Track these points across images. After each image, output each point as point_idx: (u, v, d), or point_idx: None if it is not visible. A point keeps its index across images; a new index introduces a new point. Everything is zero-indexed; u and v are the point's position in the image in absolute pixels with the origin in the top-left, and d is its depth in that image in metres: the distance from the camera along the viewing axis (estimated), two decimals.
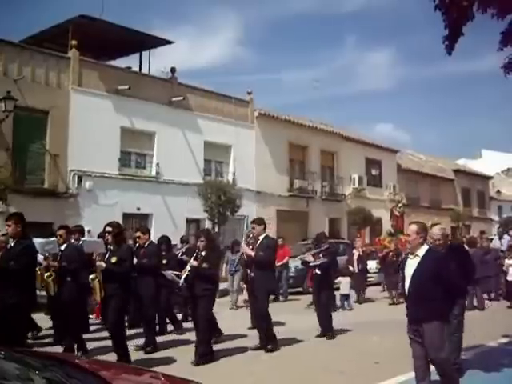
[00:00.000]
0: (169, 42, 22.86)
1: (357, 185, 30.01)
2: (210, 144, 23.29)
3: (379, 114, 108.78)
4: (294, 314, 13.22)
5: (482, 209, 43.52)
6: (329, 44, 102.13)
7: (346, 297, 14.54)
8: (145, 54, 23.26)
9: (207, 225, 21.01)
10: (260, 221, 9.56)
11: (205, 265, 8.26)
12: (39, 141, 18.40)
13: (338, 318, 11.20)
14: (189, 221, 21.91)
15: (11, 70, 17.67)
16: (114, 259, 8.05)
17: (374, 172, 32.24)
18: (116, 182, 19.83)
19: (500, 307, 14.12)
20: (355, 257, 16.18)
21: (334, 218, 28.74)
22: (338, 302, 14.25)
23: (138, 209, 20.25)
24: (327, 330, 10.19)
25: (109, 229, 8.34)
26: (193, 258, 8.45)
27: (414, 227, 5.93)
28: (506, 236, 18.45)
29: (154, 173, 21.41)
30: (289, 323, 11.57)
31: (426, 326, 5.58)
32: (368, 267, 17.28)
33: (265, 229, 9.40)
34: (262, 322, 9.13)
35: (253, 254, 9.01)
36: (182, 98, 22.04)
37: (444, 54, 6.97)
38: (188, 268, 8.39)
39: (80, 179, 18.88)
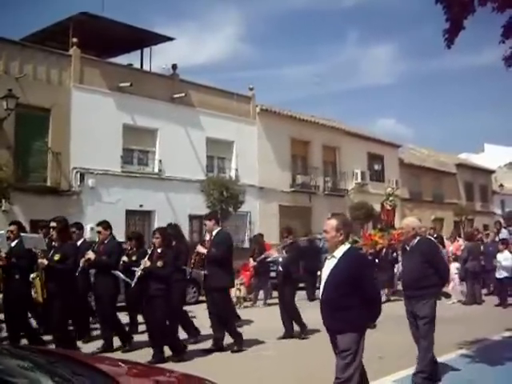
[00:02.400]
0: (170, 39, 22.85)
1: (359, 180, 29.98)
2: (213, 140, 23.29)
3: (381, 108, 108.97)
4: None
5: (485, 203, 43.45)
6: (330, 39, 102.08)
7: None
8: (146, 50, 23.24)
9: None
10: (211, 216, 9.18)
11: (160, 263, 7.89)
12: (41, 139, 18.42)
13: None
14: (191, 217, 21.91)
15: (12, 68, 17.68)
16: (57, 256, 7.68)
17: (376, 167, 32.26)
18: (118, 180, 19.85)
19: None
20: None
21: (337, 213, 28.67)
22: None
23: (141, 206, 20.26)
24: (288, 331, 9.73)
25: (53, 224, 7.99)
26: (147, 257, 8.10)
27: (332, 222, 5.07)
28: (503, 230, 18.07)
29: (156, 170, 21.42)
30: None
31: (340, 338, 4.88)
32: None
33: (217, 223, 8.98)
34: (220, 322, 8.65)
35: (205, 251, 8.66)
36: (183, 94, 22.03)
37: (444, 48, 6.99)
38: (141, 267, 8.01)
39: (82, 177, 18.89)
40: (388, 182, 32.53)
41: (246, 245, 22.46)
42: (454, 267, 14.87)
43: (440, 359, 7.57)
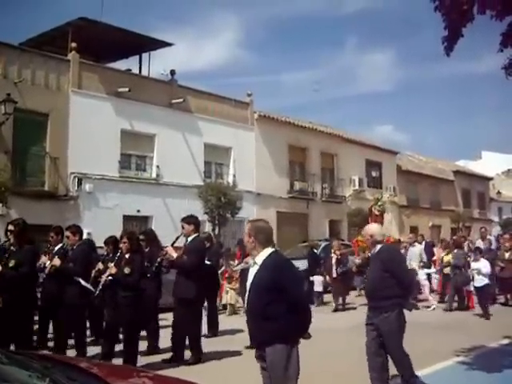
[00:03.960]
0: (168, 45, 22.90)
1: (357, 186, 30.01)
2: (210, 146, 23.30)
3: (379, 115, 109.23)
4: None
5: (483, 210, 43.49)
6: (329, 46, 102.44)
7: (318, 294, 15.50)
8: (145, 56, 23.32)
9: (207, 227, 21.00)
10: (190, 219, 8.37)
11: (127, 269, 7.48)
12: (39, 143, 18.42)
13: (337, 319, 11.20)
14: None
15: (11, 73, 17.69)
16: (12, 262, 7.12)
17: (374, 174, 32.31)
18: (116, 185, 19.84)
19: (500, 308, 14.07)
20: (333, 261, 14.91)
21: (335, 219, 28.72)
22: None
23: (138, 211, 20.24)
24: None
25: (10, 227, 7.49)
26: (113, 263, 7.69)
27: (246, 227, 4.83)
28: (489, 237, 17.88)
29: (154, 175, 21.42)
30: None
31: (268, 351, 4.45)
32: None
33: (196, 229, 8.29)
34: (180, 334, 8.12)
35: (175, 256, 8.10)
36: (181, 100, 22.04)
37: (443, 55, 7.00)
38: (107, 274, 7.64)
39: (80, 182, 18.88)
40: (386, 188, 32.65)
41: None
42: (423, 273, 14.86)
43: (438, 366, 7.58)
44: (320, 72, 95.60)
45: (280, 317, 4.40)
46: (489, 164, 51.36)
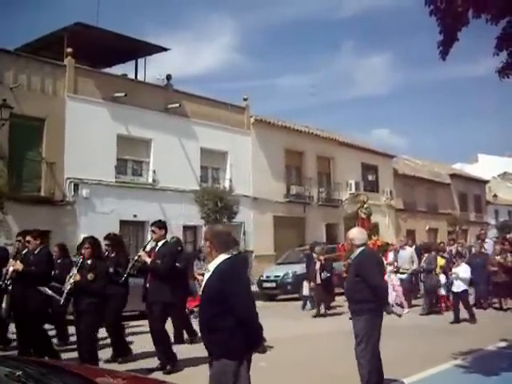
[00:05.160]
0: (164, 49, 22.92)
1: (353, 190, 30.00)
2: (207, 151, 23.30)
3: (376, 118, 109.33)
4: (293, 320, 13.40)
5: (479, 213, 43.57)
6: (325, 49, 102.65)
7: (306, 298, 15.49)
8: (140, 61, 23.32)
9: (203, 233, 20.98)
10: (161, 224, 8.44)
11: (90, 276, 7.36)
12: (35, 148, 18.38)
13: (336, 323, 11.18)
14: (185, 228, 21.86)
15: (7, 78, 17.65)
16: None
17: (370, 177, 32.30)
18: (112, 190, 19.80)
19: (496, 313, 14.04)
20: (317, 266, 14.48)
21: (331, 223, 28.73)
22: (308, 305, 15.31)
23: (135, 216, 20.19)
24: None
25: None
26: (76, 269, 7.53)
27: (204, 231, 4.79)
28: (488, 240, 17.81)
29: (150, 180, 21.39)
30: (286, 328, 11.55)
31: (214, 364, 4.22)
32: None
33: (165, 234, 8.41)
34: (158, 341, 8.07)
35: (149, 260, 8.06)
36: (178, 104, 22.03)
37: (438, 59, 7.01)
38: (71, 281, 7.45)
39: (76, 187, 18.84)
40: (382, 192, 32.70)
41: None
42: (397, 278, 14.65)
43: (435, 370, 7.57)
44: (316, 76, 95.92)
45: (227, 330, 4.13)
46: (485, 167, 51.49)
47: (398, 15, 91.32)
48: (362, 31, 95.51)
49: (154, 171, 21.40)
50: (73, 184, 18.81)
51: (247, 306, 4.24)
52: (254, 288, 19.86)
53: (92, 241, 7.85)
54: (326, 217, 28.28)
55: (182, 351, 8.49)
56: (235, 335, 4.11)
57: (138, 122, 20.76)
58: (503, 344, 9.46)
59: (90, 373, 3.66)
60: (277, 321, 13.20)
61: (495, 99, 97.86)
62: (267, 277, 19.77)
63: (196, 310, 12.66)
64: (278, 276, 19.40)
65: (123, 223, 19.75)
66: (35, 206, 17.35)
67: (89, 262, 7.57)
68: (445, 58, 6.99)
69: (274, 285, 19.30)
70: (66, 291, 7.55)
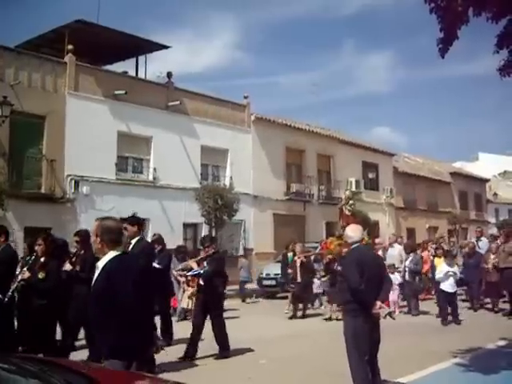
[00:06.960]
0: (165, 47, 22.92)
1: (354, 188, 29.95)
2: (207, 148, 23.30)
3: (376, 117, 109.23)
4: (289, 318, 13.36)
5: (479, 211, 43.56)
6: (326, 48, 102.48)
7: (316, 295, 14.89)
8: (141, 58, 23.31)
9: (204, 230, 21.02)
10: (134, 220, 7.78)
11: (41, 274, 7.08)
12: (36, 146, 18.38)
13: (336, 324, 11.17)
14: (186, 225, 21.88)
15: (8, 75, 17.66)
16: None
17: (370, 175, 32.29)
18: (113, 187, 19.80)
19: (489, 313, 13.94)
20: (297, 264, 13.87)
21: (331, 221, 28.62)
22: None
23: (135, 213, 20.15)
24: (226, 348, 8.51)
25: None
26: (26, 268, 7.26)
27: (95, 226, 4.33)
28: (483, 238, 17.63)
29: (150, 177, 21.40)
30: (283, 326, 11.55)
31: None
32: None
33: (140, 230, 7.69)
34: None
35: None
36: (178, 102, 22.04)
37: (437, 57, 7.01)
38: (19, 278, 7.24)
39: (77, 184, 18.84)
40: (383, 190, 32.70)
41: (241, 252, 22.46)
42: (395, 278, 13.76)
43: (435, 368, 7.59)
44: (317, 74, 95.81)
45: (113, 330, 3.94)
46: (486, 165, 51.46)
47: (399, 13, 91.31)
48: (362, 29, 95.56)
49: (155, 169, 21.40)
50: (73, 181, 18.80)
51: (135, 306, 4.01)
52: (254, 285, 19.93)
53: (46, 238, 7.55)
54: (326, 215, 28.22)
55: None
56: (123, 336, 3.93)
57: (138, 119, 20.77)
58: (503, 343, 9.47)
59: (92, 371, 3.67)
60: (276, 319, 13.24)
61: (496, 97, 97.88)
62: (267, 274, 19.76)
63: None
64: (278, 274, 19.36)
65: (124, 221, 19.69)
66: (35, 203, 17.37)
67: (42, 259, 7.26)
68: (444, 56, 6.99)
69: (273, 282, 19.28)
70: (11, 289, 7.24)
